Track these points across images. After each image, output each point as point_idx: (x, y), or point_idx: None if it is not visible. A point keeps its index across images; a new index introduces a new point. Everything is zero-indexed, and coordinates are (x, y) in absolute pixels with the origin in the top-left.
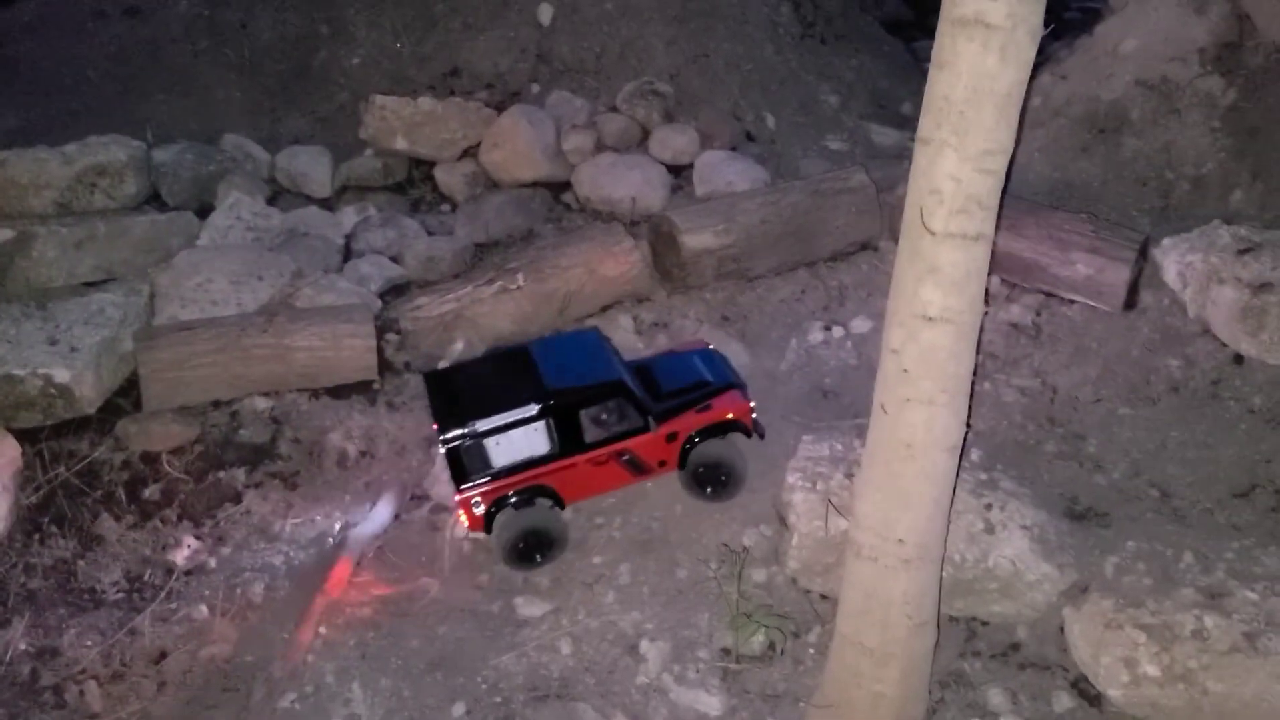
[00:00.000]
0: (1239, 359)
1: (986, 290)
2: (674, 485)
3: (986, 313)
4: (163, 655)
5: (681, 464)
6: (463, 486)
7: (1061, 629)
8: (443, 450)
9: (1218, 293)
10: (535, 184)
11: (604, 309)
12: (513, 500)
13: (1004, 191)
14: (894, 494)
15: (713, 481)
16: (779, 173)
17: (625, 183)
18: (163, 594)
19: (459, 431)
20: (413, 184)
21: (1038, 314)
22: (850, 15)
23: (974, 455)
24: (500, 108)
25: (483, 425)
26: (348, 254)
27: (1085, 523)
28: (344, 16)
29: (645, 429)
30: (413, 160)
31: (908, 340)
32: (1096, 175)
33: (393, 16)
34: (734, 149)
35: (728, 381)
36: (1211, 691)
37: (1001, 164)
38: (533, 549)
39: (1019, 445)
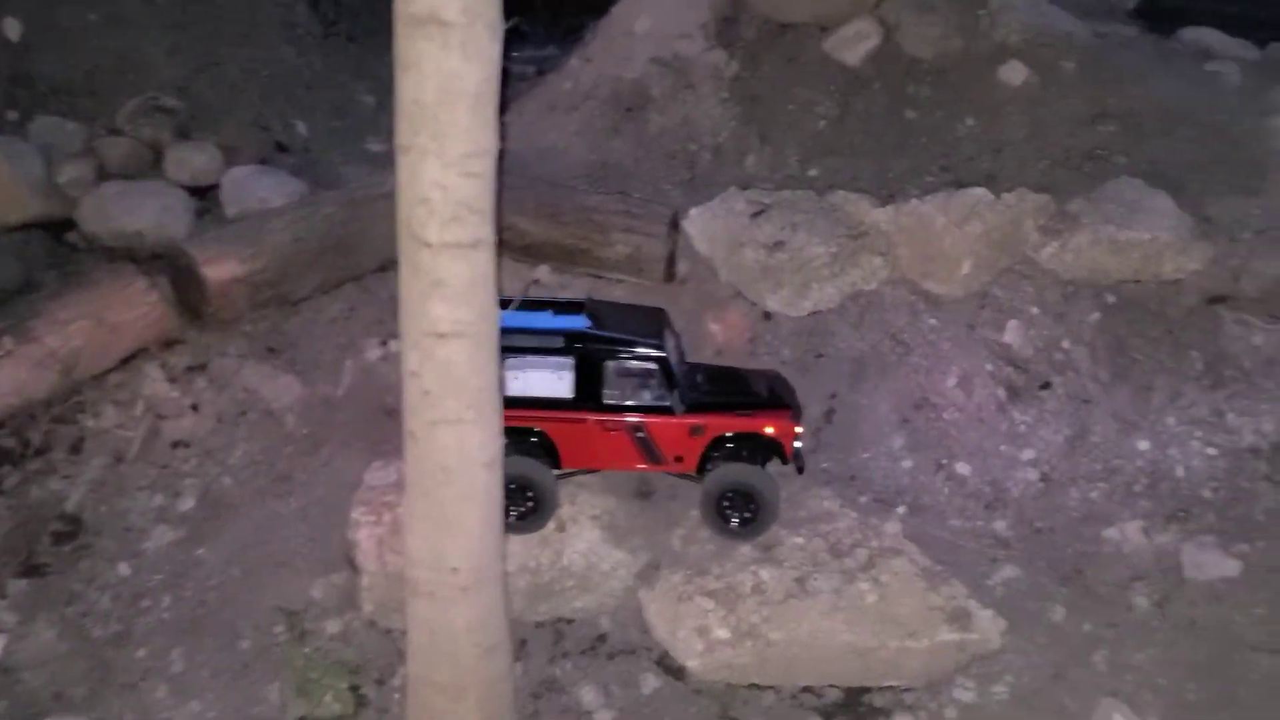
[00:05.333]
0: (768, 315)
1: (534, 282)
2: (232, 545)
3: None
4: None
5: (700, 469)
6: None
7: (641, 611)
8: None
9: (741, 256)
10: (28, 225)
11: (124, 361)
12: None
13: (501, 190)
14: (440, 522)
15: (738, 511)
16: (319, 183)
17: (140, 213)
18: None
19: None
20: None
21: (588, 297)
22: (379, 10)
23: None
24: None
25: (503, 333)
26: None
27: (654, 499)
28: None
29: (670, 410)
30: None
31: (424, 360)
32: (629, 153)
33: None
34: (265, 162)
35: (781, 401)
36: (774, 641)
37: (487, 165)
38: (513, 503)
39: None
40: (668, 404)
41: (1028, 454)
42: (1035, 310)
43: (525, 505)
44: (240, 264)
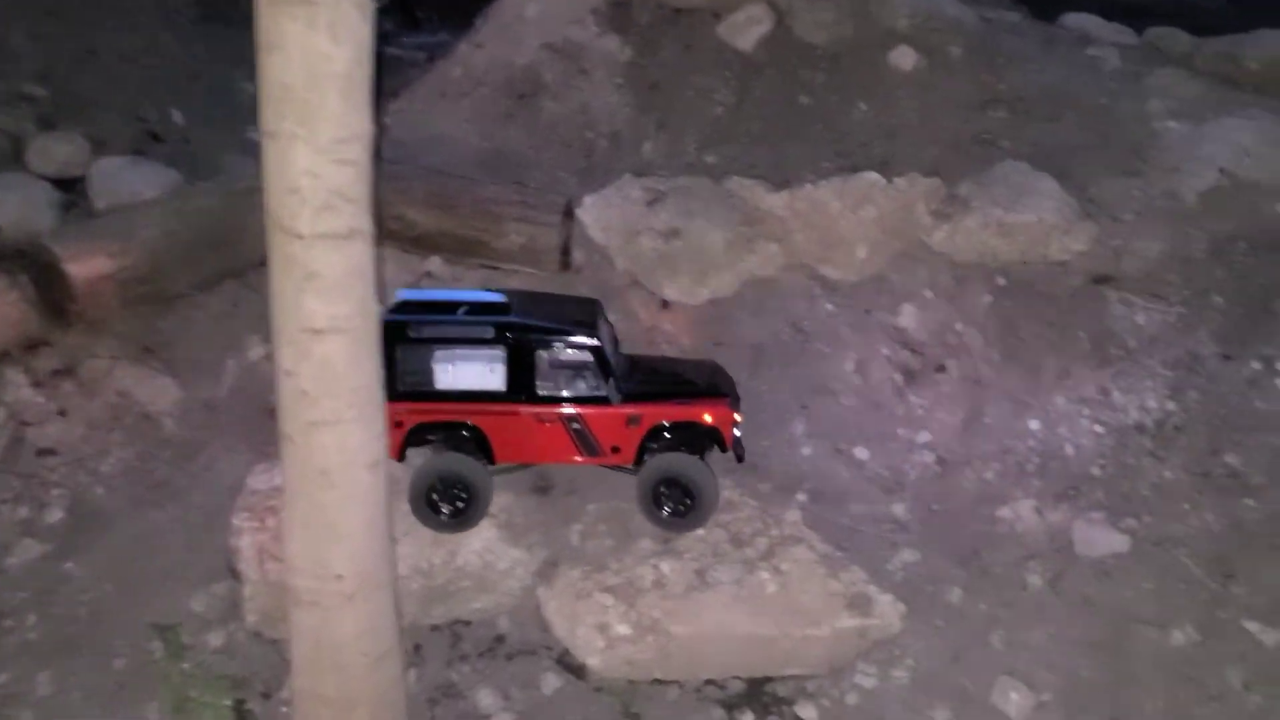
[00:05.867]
0: (666, 304)
1: (426, 274)
2: (105, 559)
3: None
4: None
5: (638, 460)
6: (388, 398)
7: (540, 610)
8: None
9: (637, 244)
10: None
11: None
12: (436, 435)
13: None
14: (322, 528)
15: (674, 502)
16: (197, 174)
17: (2, 208)
18: None
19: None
20: None
21: (516, 289)
22: None
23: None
24: None
25: (432, 324)
26: None
27: (552, 495)
28: None
29: (606, 400)
30: None
31: (300, 358)
32: (524, 141)
33: None
34: (138, 153)
35: (719, 390)
36: (676, 635)
37: (360, 152)
38: (444, 500)
39: None
40: (603, 394)
41: (924, 437)
42: (929, 294)
43: (458, 503)
44: (108, 260)
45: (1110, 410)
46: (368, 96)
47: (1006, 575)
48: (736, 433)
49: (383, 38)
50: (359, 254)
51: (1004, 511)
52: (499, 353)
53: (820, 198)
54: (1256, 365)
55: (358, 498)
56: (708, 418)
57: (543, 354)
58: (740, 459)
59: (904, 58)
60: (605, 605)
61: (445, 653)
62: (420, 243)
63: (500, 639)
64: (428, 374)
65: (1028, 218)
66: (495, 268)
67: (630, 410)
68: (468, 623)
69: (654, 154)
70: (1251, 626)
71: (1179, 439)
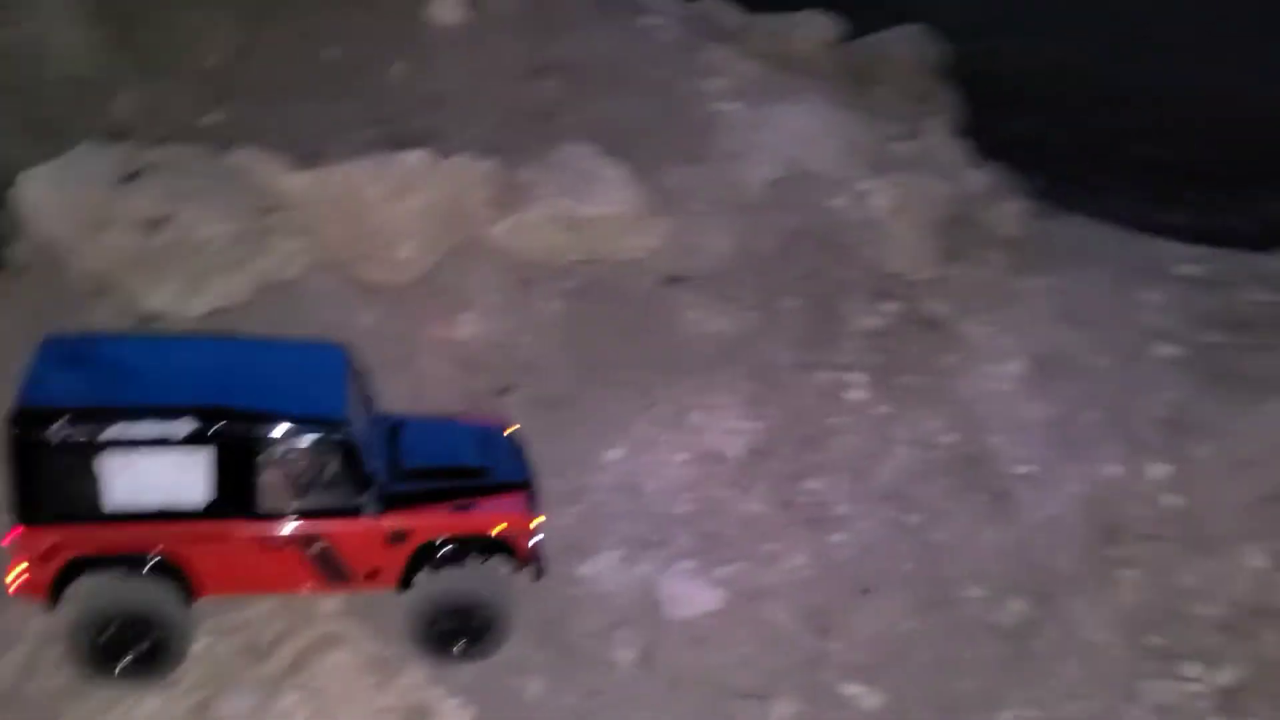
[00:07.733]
0: (150, 318)
1: None
2: None
3: None
4: None
5: (405, 583)
6: (25, 521)
7: None
8: (9, 446)
9: (108, 237)
10: None
11: None
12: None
13: None
14: None
15: (463, 634)
16: None
17: None
18: None
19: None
20: None
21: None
22: None
23: None
24: None
25: (105, 428)
26: None
27: None
28: None
29: (357, 511)
30: None
31: None
32: None
33: None
34: None
35: (513, 478)
36: None
37: None
38: (123, 646)
39: None
40: (356, 504)
41: None
42: (491, 299)
43: (141, 646)
44: None
45: (691, 434)
46: None
47: (593, 651)
48: (538, 537)
49: None
50: None
51: (586, 568)
52: (200, 453)
53: (355, 180)
54: (827, 375)
55: None
56: (498, 530)
57: (268, 455)
58: (540, 575)
59: (448, 9)
60: None
61: None
62: None
63: None
64: (89, 486)
65: (600, 210)
66: None
67: (393, 524)
68: None
69: (133, 109)
70: (852, 690)
71: (761, 464)
